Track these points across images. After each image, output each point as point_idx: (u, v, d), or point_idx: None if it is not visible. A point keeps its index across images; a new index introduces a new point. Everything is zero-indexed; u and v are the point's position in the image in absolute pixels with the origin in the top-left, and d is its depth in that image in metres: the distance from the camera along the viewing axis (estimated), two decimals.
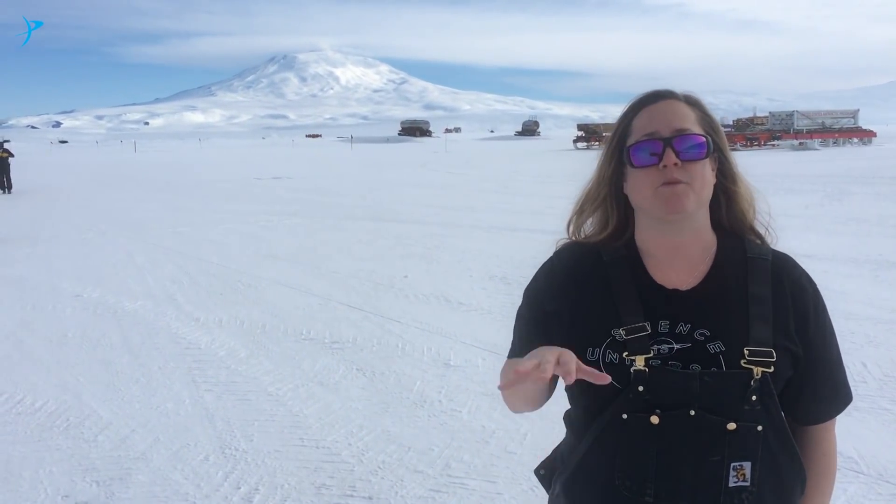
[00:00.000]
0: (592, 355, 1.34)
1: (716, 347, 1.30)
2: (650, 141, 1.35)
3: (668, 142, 1.33)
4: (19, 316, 8.00)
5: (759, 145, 56.96)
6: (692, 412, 1.28)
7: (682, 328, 1.33)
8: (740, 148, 55.03)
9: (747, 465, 1.30)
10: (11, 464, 4.34)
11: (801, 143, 54.46)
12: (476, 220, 15.24)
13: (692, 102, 1.42)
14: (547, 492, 1.53)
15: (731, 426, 1.28)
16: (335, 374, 5.83)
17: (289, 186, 27.32)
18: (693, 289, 1.38)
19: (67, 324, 7.57)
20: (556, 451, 1.54)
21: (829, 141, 56.74)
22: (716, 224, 1.45)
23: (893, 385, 5.18)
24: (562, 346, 1.40)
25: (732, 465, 1.29)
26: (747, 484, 1.30)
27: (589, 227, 1.53)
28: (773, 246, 1.49)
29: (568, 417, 1.51)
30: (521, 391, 1.37)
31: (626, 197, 1.44)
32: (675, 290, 1.37)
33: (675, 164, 1.32)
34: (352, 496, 3.90)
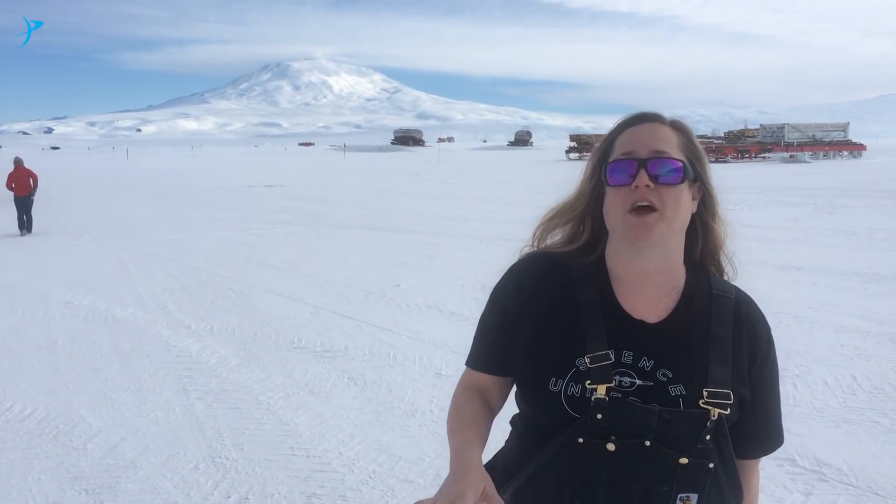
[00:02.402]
0: (555, 386, 1.35)
1: (677, 391, 1.32)
2: (627, 160, 1.36)
3: (643, 163, 1.34)
4: (9, 322, 7.96)
5: (749, 157, 57.28)
6: (647, 443, 1.30)
7: (646, 363, 1.34)
8: (731, 160, 55.31)
9: (694, 497, 1.32)
10: (0, 471, 4.32)
11: (791, 156, 54.80)
12: (469, 229, 15.28)
13: (678, 128, 1.42)
14: None
15: (684, 461, 1.30)
16: (327, 382, 5.82)
17: (281, 194, 27.32)
18: (660, 322, 1.38)
19: (57, 331, 7.53)
20: (498, 458, 1.53)
21: (819, 154, 57.13)
22: (688, 256, 1.46)
23: (882, 397, 5.20)
24: (524, 372, 1.43)
25: (679, 496, 1.31)
26: None
27: (556, 236, 1.53)
28: (734, 280, 1.50)
29: (516, 424, 1.51)
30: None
31: (601, 215, 1.44)
32: (642, 322, 1.38)
33: (648, 186, 1.32)
34: None
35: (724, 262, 1.49)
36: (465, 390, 1.53)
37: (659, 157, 1.34)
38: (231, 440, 4.71)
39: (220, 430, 4.88)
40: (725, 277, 1.49)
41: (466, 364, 1.56)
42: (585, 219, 1.48)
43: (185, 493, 4.02)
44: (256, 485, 4.10)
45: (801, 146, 57.97)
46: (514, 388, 1.50)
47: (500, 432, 1.55)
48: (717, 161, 54.56)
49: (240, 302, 8.75)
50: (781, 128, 61.57)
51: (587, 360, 1.33)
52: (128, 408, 5.33)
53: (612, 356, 1.33)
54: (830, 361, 6.00)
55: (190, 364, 6.33)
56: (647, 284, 1.40)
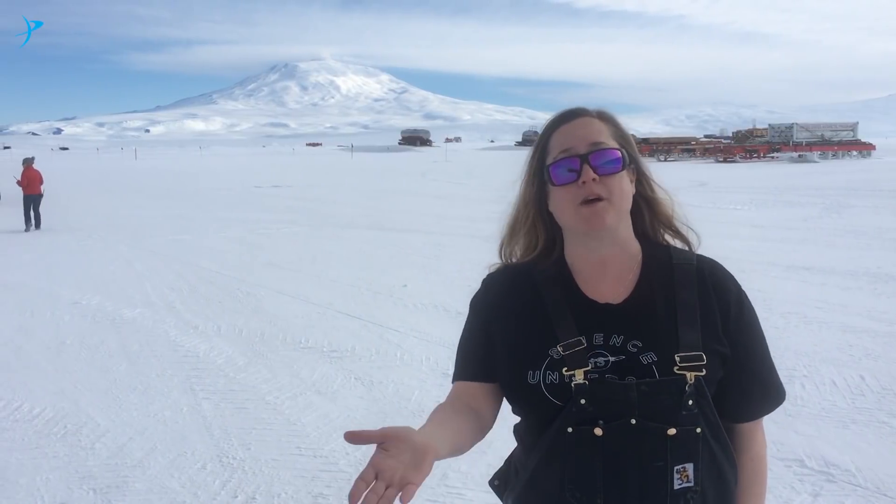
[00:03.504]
0: (533, 378, 1.37)
1: (648, 358, 1.33)
2: (568, 158, 1.39)
3: (584, 158, 1.37)
4: (18, 322, 8.00)
5: (758, 157, 57.09)
6: (633, 421, 1.31)
7: (616, 340, 1.36)
8: (740, 160, 55.14)
9: (690, 467, 1.33)
10: (8, 471, 4.33)
11: (800, 156, 54.59)
12: (476, 229, 15.24)
13: (605, 118, 1.46)
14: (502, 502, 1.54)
15: (672, 431, 1.31)
16: (333, 382, 5.83)
17: (289, 195, 27.37)
18: (624, 301, 1.41)
19: (66, 331, 7.56)
20: (510, 462, 1.55)
21: (828, 153, 56.87)
22: (640, 233, 1.49)
23: (891, 398, 5.17)
24: (503, 374, 1.43)
25: (676, 468, 1.32)
26: (691, 484, 1.33)
27: (519, 249, 1.55)
28: (697, 247, 1.52)
29: (517, 431, 1.52)
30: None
31: (551, 215, 1.47)
32: (608, 304, 1.41)
33: (594, 180, 1.36)
34: None
35: (684, 231, 1.51)
36: (447, 400, 1.49)
37: (598, 150, 1.38)
38: (238, 440, 4.72)
39: (227, 429, 4.89)
40: (693, 247, 1.51)
41: (452, 381, 1.54)
42: (538, 224, 1.50)
43: (193, 493, 4.03)
44: (263, 484, 4.11)
45: (810, 146, 57.73)
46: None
47: (506, 438, 1.55)
48: (725, 161, 54.45)
49: (247, 302, 8.77)
50: (790, 127, 61.34)
51: (560, 349, 1.35)
52: (135, 407, 5.35)
53: (584, 341, 1.35)
54: (839, 362, 5.97)
55: (197, 364, 6.35)
56: (607, 269, 1.44)
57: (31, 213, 16.98)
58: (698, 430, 1.33)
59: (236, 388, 5.74)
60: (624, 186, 1.39)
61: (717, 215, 17.32)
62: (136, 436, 4.82)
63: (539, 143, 1.48)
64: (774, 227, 15.01)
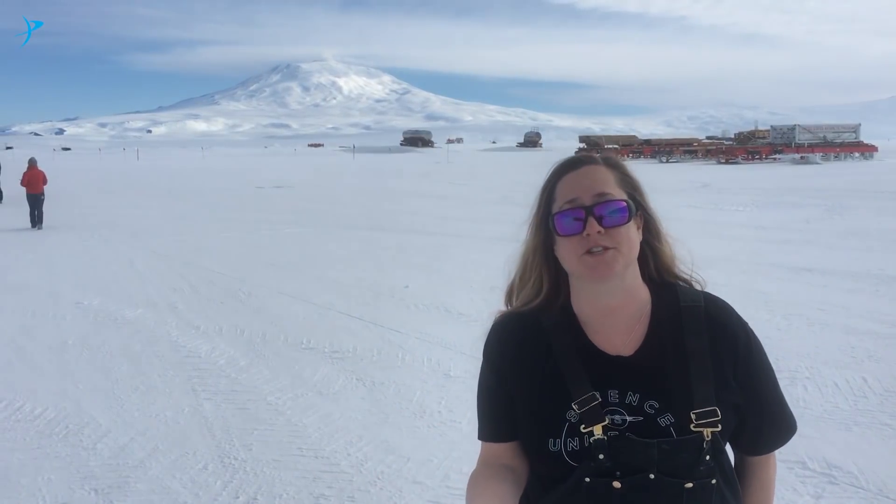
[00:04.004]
0: (554, 446, 1.36)
1: (666, 420, 1.34)
2: (572, 209, 1.38)
3: (589, 210, 1.36)
4: (20, 322, 8.01)
5: (760, 159, 57.04)
6: (652, 475, 1.31)
7: (632, 398, 1.36)
8: (742, 161, 55.12)
9: None
10: (10, 471, 4.34)
11: (802, 157, 54.49)
12: (477, 230, 15.26)
13: (612, 165, 1.45)
14: None
15: (689, 485, 1.32)
16: (335, 383, 5.83)
17: (290, 195, 27.38)
18: (635, 353, 1.40)
19: (68, 331, 7.57)
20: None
21: (830, 155, 56.77)
22: (646, 277, 1.47)
23: (894, 400, 5.16)
24: (524, 438, 1.43)
25: None
26: None
27: (524, 294, 1.53)
28: (704, 288, 1.51)
29: (532, 471, 1.50)
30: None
31: (556, 260, 1.46)
32: (619, 357, 1.40)
33: (599, 232, 1.34)
34: None
35: (684, 277, 1.51)
36: (482, 466, 1.49)
37: (604, 201, 1.37)
38: (240, 441, 4.72)
39: (228, 430, 4.90)
40: (697, 286, 1.50)
41: (479, 438, 1.55)
42: (542, 270, 1.49)
43: (194, 494, 4.03)
44: (265, 485, 4.11)
45: (812, 147, 57.65)
46: None
47: None
48: (727, 162, 54.40)
49: (248, 302, 8.77)
50: (792, 129, 61.27)
51: (575, 408, 1.35)
52: (137, 408, 5.35)
53: (598, 396, 1.35)
54: (841, 364, 5.97)
55: (199, 364, 6.36)
56: (616, 318, 1.42)
57: (35, 212, 17.48)
58: (713, 481, 1.34)
59: (238, 388, 5.74)
60: (631, 236, 1.38)
61: (720, 217, 17.32)
62: (138, 436, 4.83)
63: (545, 191, 1.46)
64: (776, 228, 14.99)
